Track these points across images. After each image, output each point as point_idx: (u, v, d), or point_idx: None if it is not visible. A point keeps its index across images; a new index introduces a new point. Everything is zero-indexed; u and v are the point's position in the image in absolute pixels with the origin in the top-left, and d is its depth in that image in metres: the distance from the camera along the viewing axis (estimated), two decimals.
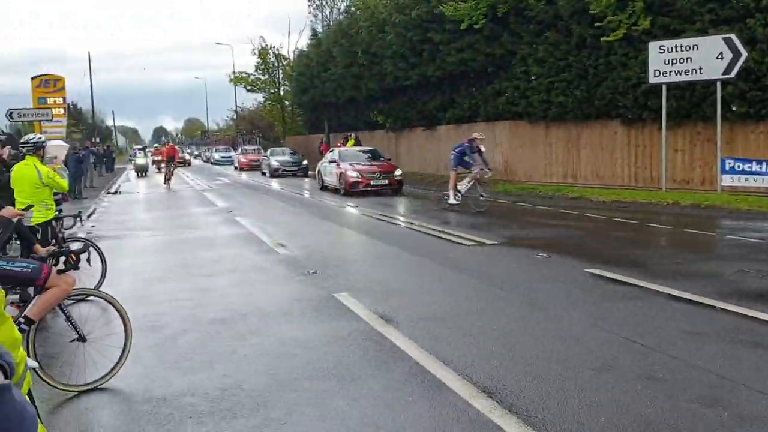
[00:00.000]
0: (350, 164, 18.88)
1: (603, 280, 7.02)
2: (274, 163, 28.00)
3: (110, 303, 4.61)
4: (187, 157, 42.52)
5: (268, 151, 31.32)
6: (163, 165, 28.35)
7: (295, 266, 8.47)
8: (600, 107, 17.27)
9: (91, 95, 57.24)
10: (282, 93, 48.81)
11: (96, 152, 32.59)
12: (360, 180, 18.19)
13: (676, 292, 6.36)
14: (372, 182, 18.09)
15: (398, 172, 18.88)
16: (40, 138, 7.11)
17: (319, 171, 21.20)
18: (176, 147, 29.62)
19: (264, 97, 50.21)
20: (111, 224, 14.20)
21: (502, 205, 15.41)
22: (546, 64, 18.41)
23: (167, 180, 24.99)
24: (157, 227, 13.37)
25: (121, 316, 4.62)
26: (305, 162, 28.55)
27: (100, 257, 7.47)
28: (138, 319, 6.10)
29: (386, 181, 18.25)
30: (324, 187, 20.46)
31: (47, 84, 30.51)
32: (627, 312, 5.76)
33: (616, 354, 4.67)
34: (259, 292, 7.13)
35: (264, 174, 29.79)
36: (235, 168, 38.12)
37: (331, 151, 21.20)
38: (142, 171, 33.29)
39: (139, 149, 36.29)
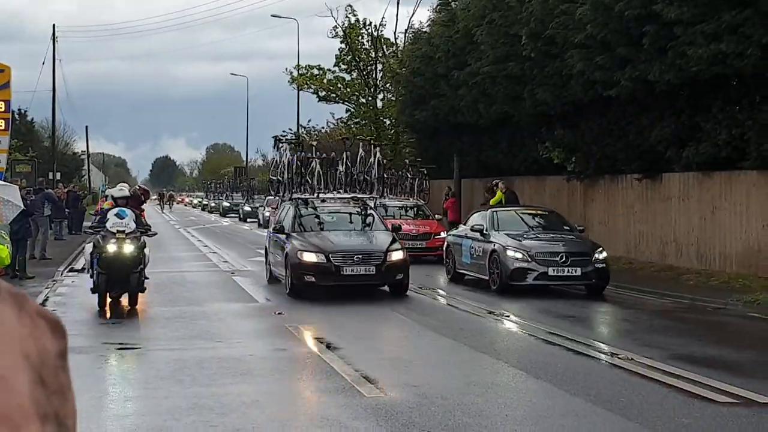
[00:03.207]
0: None
1: None
2: None
3: None
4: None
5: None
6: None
7: (394, 421, 8.54)
8: None
9: (53, 98, 61.04)
10: (380, 105, 50.12)
11: (54, 198, 34.60)
12: None
13: None
14: None
15: None
16: None
17: None
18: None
19: (348, 110, 51.76)
20: (74, 327, 14.85)
21: None
22: None
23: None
24: (154, 336, 13.89)
25: None
26: None
27: None
28: None
29: None
30: None
31: None
32: None
33: None
34: None
35: None
36: None
37: None
38: (116, 272, 16.34)
39: (117, 199, 18.15)
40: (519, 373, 10.97)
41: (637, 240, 25.43)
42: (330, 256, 17.95)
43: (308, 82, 52.27)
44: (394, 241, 19.11)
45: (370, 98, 50.03)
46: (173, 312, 16.43)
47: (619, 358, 11.91)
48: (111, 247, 16.10)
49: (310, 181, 22.38)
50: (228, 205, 76.27)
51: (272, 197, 56.33)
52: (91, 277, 16.85)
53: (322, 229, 19.67)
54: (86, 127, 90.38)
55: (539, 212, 22.74)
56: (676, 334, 14.27)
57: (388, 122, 49.33)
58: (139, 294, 16.56)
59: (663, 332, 14.83)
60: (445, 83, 34.43)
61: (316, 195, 21.47)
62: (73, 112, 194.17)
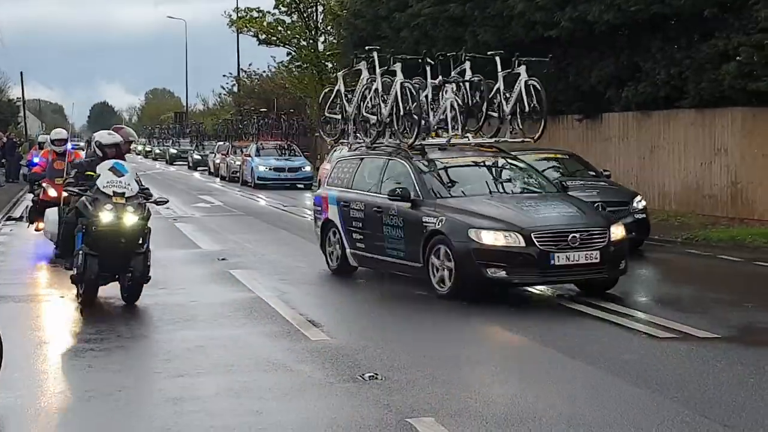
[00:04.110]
0: None
1: None
2: None
3: None
4: None
5: None
6: None
7: (340, 364, 8.55)
8: None
9: None
10: (322, 48, 49.65)
11: None
12: None
13: None
14: None
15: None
16: None
17: None
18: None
19: (289, 54, 51.26)
20: (10, 276, 14.64)
21: (725, 263, 15.22)
22: None
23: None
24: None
25: None
26: None
27: None
28: None
29: None
30: None
31: None
32: None
33: None
34: (273, 413, 7.19)
35: None
36: None
37: None
38: (112, 253, 11.59)
39: (106, 148, 12.77)
40: (464, 314, 11.01)
41: None
42: (533, 236, 11.45)
43: (248, 25, 51.54)
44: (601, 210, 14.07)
45: (311, 41, 49.48)
46: None
47: (560, 296, 12.03)
48: (106, 216, 11.14)
49: (423, 120, 13.83)
50: (175, 152, 70.74)
51: (222, 143, 53.67)
52: (58, 255, 13.25)
53: (464, 194, 12.76)
54: (21, 72, 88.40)
55: (558, 156, 19.06)
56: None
57: (330, 65, 48.85)
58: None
59: None
60: (387, 25, 34.14)
61: (448, 140, 13.92)
62: (7, 57, 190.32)
